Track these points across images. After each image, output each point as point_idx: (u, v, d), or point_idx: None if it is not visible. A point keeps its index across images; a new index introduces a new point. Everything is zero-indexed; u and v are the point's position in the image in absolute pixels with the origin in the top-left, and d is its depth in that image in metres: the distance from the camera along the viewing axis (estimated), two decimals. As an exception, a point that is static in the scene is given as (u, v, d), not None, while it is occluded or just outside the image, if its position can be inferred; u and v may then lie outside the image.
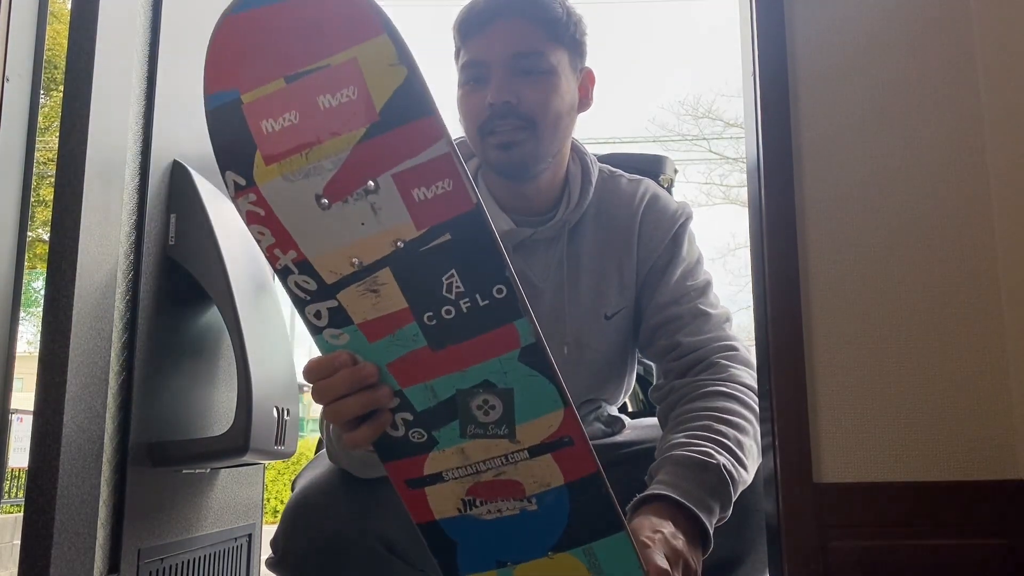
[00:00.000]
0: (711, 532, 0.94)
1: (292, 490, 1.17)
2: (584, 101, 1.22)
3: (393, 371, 0.77)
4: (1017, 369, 1.01)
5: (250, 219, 0.74)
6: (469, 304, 0.74)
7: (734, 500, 0.99)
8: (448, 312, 0.74)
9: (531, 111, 1.13)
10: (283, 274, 0.75)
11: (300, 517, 1.08)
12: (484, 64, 1.14)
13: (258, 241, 0.75)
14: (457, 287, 0.74)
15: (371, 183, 0.71)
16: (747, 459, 1.03)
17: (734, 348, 1.16)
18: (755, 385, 1.12)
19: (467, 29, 1.16)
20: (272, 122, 0.71)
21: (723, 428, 1.03)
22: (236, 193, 0.73)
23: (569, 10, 1.18)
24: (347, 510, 1.07)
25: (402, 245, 0.72)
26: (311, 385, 0.80)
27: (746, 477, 1.03)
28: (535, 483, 0.80)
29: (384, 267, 0.73)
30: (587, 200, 1.23)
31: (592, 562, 0.82)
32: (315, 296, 0.75)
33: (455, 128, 1.24)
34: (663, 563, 0.84)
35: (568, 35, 1.17)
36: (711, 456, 0.99)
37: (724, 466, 0.98)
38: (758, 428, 1.08)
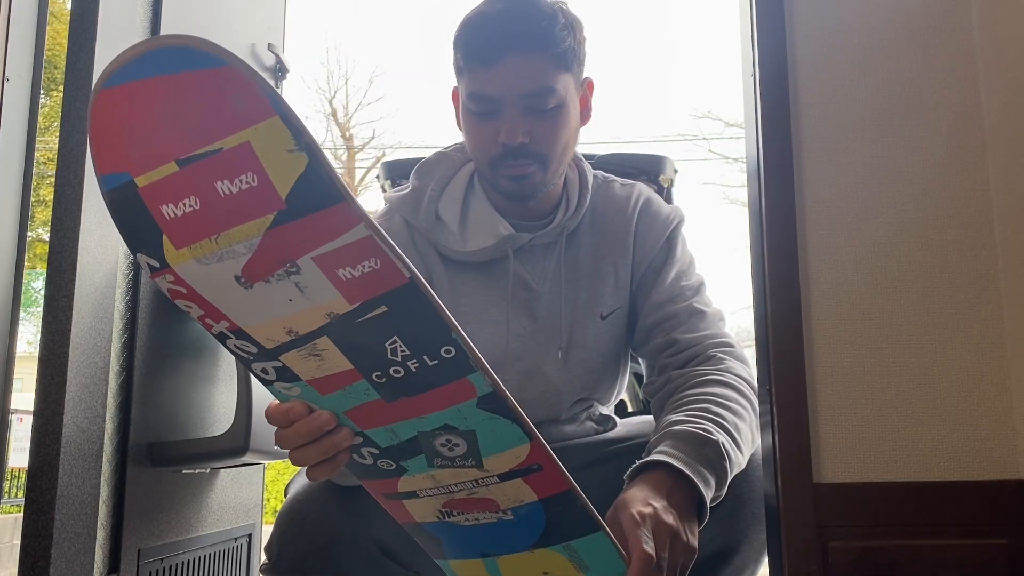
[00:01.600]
0: (708, 503, 0.94)
1: (285, 495, 1.17)
2: (585, 113, 1.22)
3: (351, 417, 0.75)
4: (1017, 369, 1.01)
5: (174, 296, 0.69)
6: (417, 364, 0.70)
7: (728, 482, 1.00)
8: (397, 372, 0.71)
9: (542, 147, 1.14)
10: (221, 339, 0.71)
11: (294, 522, 1.08)
12: (494, 100, 1.13)
13: (187, 312, 0.70)
14: (402, 351, 0.70)
15: (291, 266, 0.66)
16: (743, 443, 1.04)
17: (730, 344, 1.18)
18: (750, 378, 1.14)
19: (474, 58, 1.13)
20: (172, 207, 0.65)
21: (721, 411, 1.05)
22: (152, 274, 0.68)
23: (573, 30, 1.16)
24: (341, 514, 1.07)
25: (335, 317, 0.68)
26: None
27: (741, 460, 1.04)
28: (508, 500, 0.80)
29: (321, 335, 0.69)
30: (584, 206, 1.24)
31: (572, 555, 0.84)
32: (257, 357, 0.72)
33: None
34: (649, 548, 0.84)
35: (575, 59, 1.16)
36: (710, 432, 1.00)
37: (722, 444, 0.99)
38: (754, 417, 1.09)
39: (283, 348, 0.70)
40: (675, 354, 1.17)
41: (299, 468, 1.22)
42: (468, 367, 0.71)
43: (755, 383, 1.13)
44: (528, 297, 1.21)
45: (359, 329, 0.68)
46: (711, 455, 0.97)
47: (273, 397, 0.78)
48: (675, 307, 1.20)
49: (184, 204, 0.64)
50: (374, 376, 0.71)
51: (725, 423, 1.03)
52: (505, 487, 0.78)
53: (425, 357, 0.70)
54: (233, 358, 1.61)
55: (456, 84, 1.22)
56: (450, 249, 1.19)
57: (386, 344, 0.69)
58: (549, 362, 1.20)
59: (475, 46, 1.14)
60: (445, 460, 0.76)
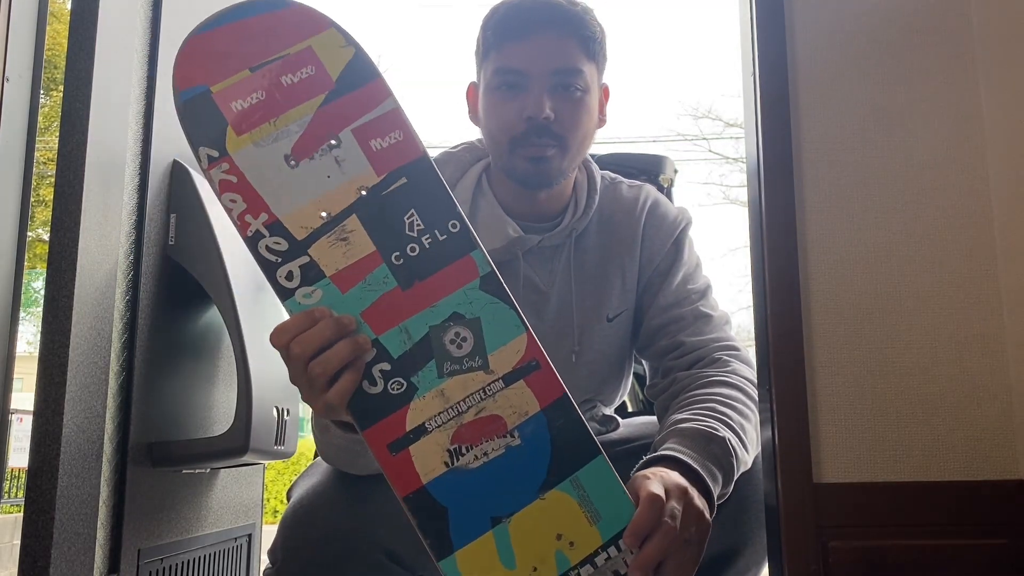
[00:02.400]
0: (715, 498, 0.94)
1: (287, 499, 1.16)
2: (601, 117, 1.23)
3: (367, 319, 0.83)
4: (1017, 369, 1.01)
5: (223, 188, 0.82)
6: (430, 239, 0.83)
7: (734, 480, 1.00)
8: (412, 249, 0.83)
9: (564, 129, 1.14)
10: (254, 240, 0.82)
11: (298, 527, 1.07)
12: (523, 74, 1.13)
13: (229, 210, 0.82)
14: (418, 224, 0.83)
15: (333, 140, 0.82)
16: (748, 443, 1.05)
17: (736, 348, 1.18)
18: (756, 380, 1.13)
19: (506, 33, 1.15)
20: (241, 102, 0.82)
21: (727, 411, 1.05)
22: (209, 165, 0.82)
23: (602, 27, 1.18)
24: (346, 519, 1.06)
25: (365, 193, 0.82)
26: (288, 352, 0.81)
27: (747, 459, 1.04)
28: (514, 413, 0.84)
29: (351, 214, 0.82)
30: (593, 208, 1.24)
31: (581, 495, 0.84)
32: (286, 256, 0.82)
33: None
34: (657, 490, 0.84)
35: (601, 52, 1.18)
36: (716, 430, 1.00)
37: (729, 440, 1.00)
38: (758, 418, 1.09)
39: (314, 236, 0.82)
40: (680, 356, 1.17)
41: (303, 465, 1.22)
42: (471, 243, 0.85)
43: None
44: (537, 299, 1.20)
45: (383, 203, 0.83)
46: (717, 452, 0.98)
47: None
48: (681, 310, 1.20)
49: (252, 97, 0.82)
50: (393, 258, 0.83)
51: (731, 422, 1.03)
52: (510, 394, 0.84)
53: (436, 231, 0.84)
54: (232, 357, 1.61)
55: (474, 79, 1.22)
56: None
57: (405, 218, 0.83)
58: (558, 364, 1.20)
59: (509, 22, 1.15)
60: (454, 363, 0.83)
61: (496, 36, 1.16)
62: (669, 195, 1.64)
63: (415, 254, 0.83)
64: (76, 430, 1.31)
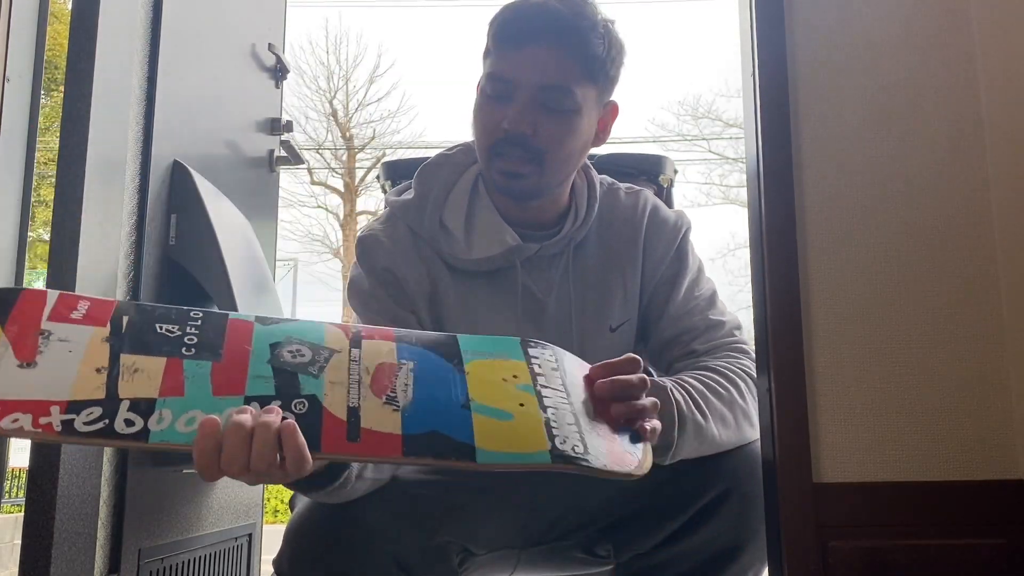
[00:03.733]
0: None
1: (291, 509, 1.14)
2: (601, 135, 1.19)
3: (222, 393, 0.79)
4: (1017, 369, 1.01)
5: (8, 432, 0.75)
6: (193, 326, 0.83)
7: (673, 451, 1.00)
8: (191, 338, 0.82)
9: (544, 146, 1.11)
10: (70, 429, 0.74)
11: (304, 538, 1.03)
12: (510, 83, 1.11)
13: (20, 433, 0.75)
14: (169, 330, 0.82)
15: (43, 335, 0.79)
16: (711, 417, 1.04)
17: (747, 351, 1.17)
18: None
19: (503, 41, 1.13)
20: None
21: (693, 382, 1.05)
22: None
23: (611, 44, 1.13)
24: (352, 528, 1.03)
25: (112, 338, 0.80)
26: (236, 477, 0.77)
27: (710, 435, 1.04)
28: (385, 355, 0.86)
29: (118, 354, 0.79)
30: (592, 215, 1.22)
31: (481, 360, 0.89)
32: (107, 414, 0.75)
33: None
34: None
35: (603, 72, 1.14)
36: (669, 390, 1.01)
37: (679, 403, 1.00)
38: (748, 407, 1.09)
39: (111, 384, 0.77)
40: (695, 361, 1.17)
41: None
42: (230, 306, 0.84)
43: None
44: (535, 308, 1.18)
45: (134, 332, 0.81)
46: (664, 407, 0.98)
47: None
48: (692, 320, 1.19)
49: None
50: (184, 351, 0.81)
51: (692, 391, 1.03)
52: (366, 351, 0.86)
53: (189, 324, 0.83)
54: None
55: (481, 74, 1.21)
56: (455, 257, 1.17)
57: (159, 330, 0.82)
58: None
59: (508, 28, 1.12)
60: (312, 365, 0.83)
61: (495, 41, 1.14)
62: (669, 195, 1.64)
63: (196, 341, 0.82)
64: (76, 430, 1.30)
